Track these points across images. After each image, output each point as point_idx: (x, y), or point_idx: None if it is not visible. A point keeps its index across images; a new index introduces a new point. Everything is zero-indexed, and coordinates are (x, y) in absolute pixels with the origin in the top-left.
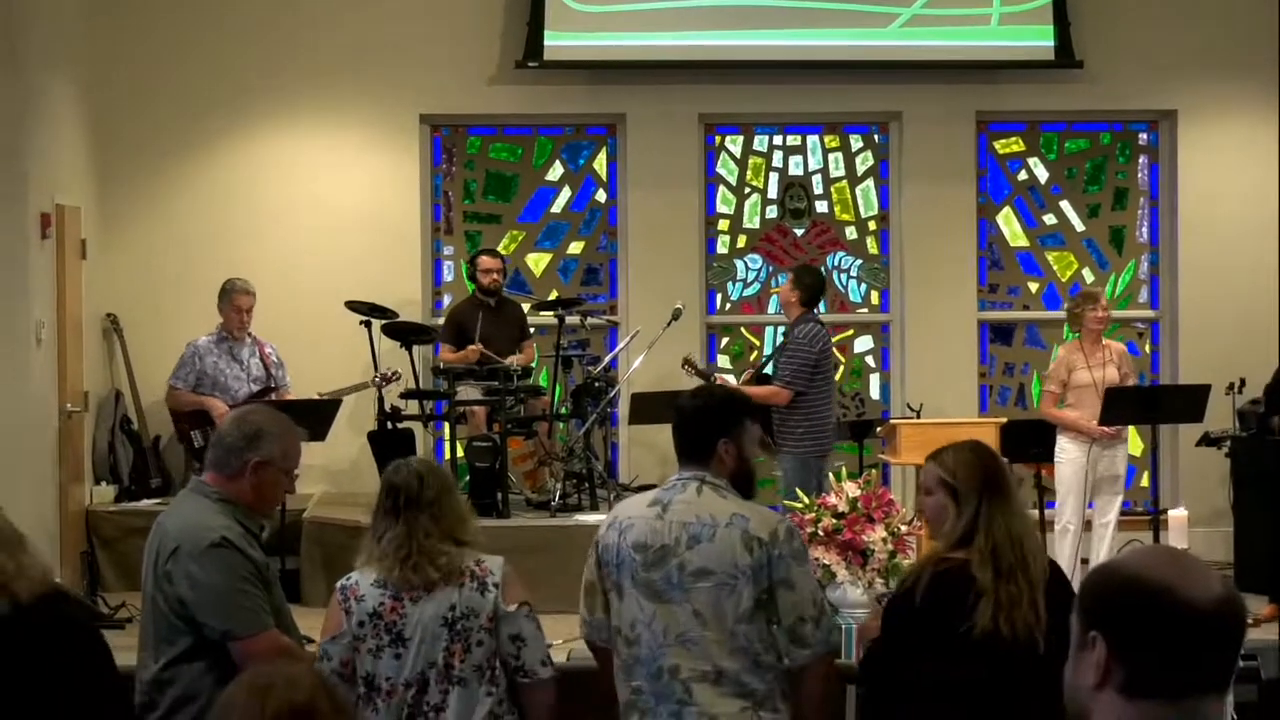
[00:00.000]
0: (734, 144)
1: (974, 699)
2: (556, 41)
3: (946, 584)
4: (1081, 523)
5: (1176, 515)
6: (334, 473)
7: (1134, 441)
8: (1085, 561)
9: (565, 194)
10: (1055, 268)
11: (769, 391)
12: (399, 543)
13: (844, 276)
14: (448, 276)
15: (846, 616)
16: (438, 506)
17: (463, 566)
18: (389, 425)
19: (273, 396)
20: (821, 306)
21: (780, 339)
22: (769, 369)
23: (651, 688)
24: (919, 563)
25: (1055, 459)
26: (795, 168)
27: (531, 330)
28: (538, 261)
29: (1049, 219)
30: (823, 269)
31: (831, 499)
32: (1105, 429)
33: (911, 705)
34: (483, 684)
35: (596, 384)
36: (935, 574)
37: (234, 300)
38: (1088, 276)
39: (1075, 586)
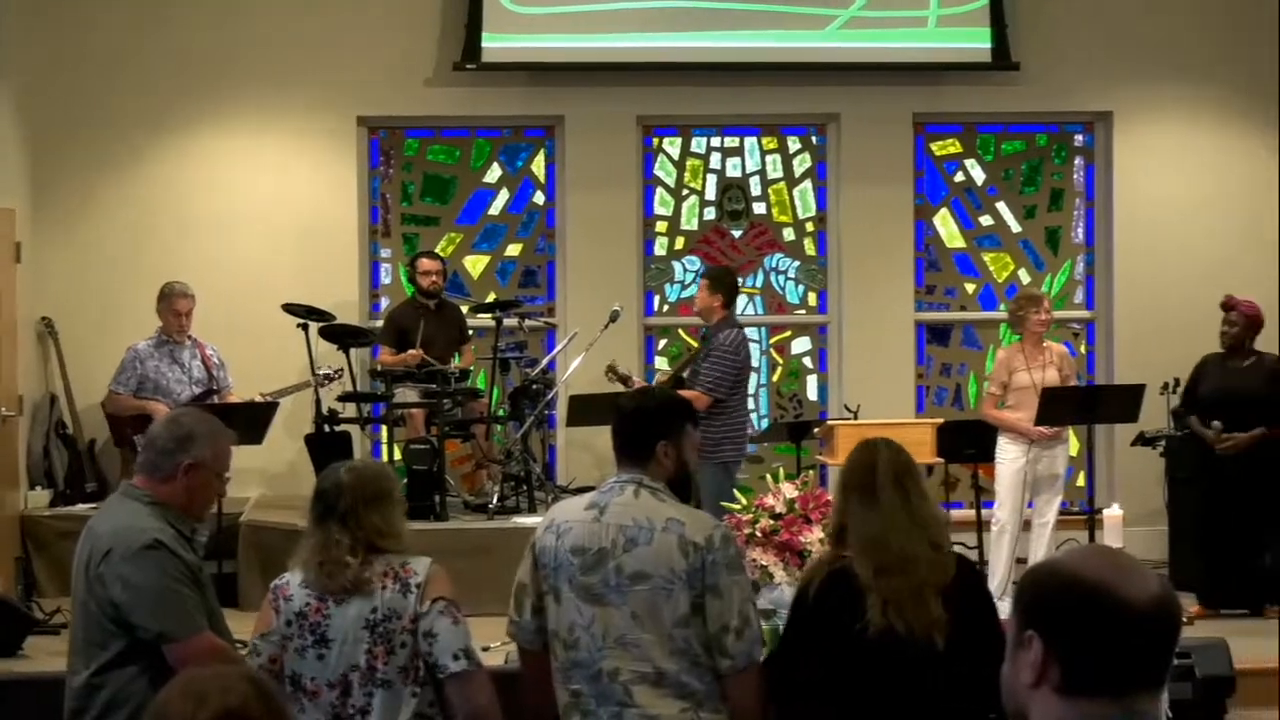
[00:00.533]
0: (672, 146)
1: (872, 698)
2: (494, 44)
3: (837, 582)
4: (1019, 523)
5: (1112, 515)
6: (271, 476)
7: (1070, 441)
8: (1023, 561)
9: (503, 196)
10: (992, 269)
11: (691, 396)
12: (314, 549)
13: (781, 278)
14: (385, 279)
15: (785, 618)
16: (352, 518)
17: (383, 570)
18: (326, 428)
19: (215, 399)
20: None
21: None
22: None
23: (592, 690)
24: (816, 561)
25: (995, 459)
26: (733, 169)
27: (470, 333)
28: (475, 263)
29: (985, 220)
30: (761, 269)
31: (769, 500)
32: (1044, 430)
33: (811, 705)
34: (408, 685)
35: (534, 386)
36: (830, 572)
37: (173, 304)
38: (1024, 277)
39: (1011, 587)
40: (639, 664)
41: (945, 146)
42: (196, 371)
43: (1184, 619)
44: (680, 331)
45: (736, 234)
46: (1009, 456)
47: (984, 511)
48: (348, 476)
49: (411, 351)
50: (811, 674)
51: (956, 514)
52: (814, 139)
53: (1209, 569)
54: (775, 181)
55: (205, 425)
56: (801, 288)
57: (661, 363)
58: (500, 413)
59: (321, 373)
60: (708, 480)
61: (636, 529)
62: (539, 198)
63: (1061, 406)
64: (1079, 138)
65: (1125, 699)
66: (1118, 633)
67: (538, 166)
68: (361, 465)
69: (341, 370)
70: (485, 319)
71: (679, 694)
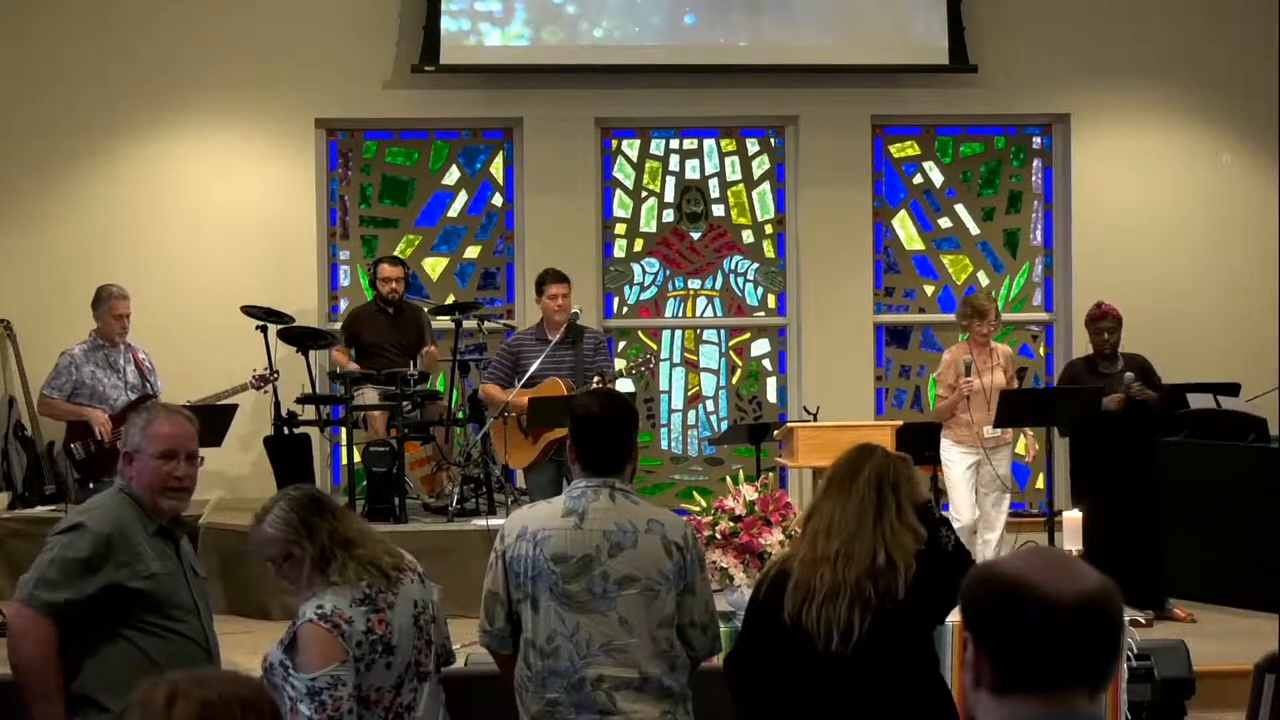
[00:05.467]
0: (630, 148)
1: (791, 694)
2: (453, 45)
3: (782, 576)
4: (974, 521)
5: (1071, 516)
6: (230, 479)
7: (1027, 443)
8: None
9: (462, 198)
10: (950, 271)
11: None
12: (364, 555)
13: (740, 280)
14: (344, 281)
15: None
16: (355, 517)
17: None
18: (285, 430)
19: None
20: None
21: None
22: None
23: (571, 699)
24: (773, 558)
25: (943, 460)
26: (692, 171)
27: (429, 336)
28: (434, 266)
29: (944, 222)
30: (720, 271)
31: (729, 502)
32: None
33: (763, 699)
34: (436, 674)
35: None
36: (780, 569)
37: (113, 308)
38: (983, 279)
39: None
40: (624, 670)
41: (904, 149)
42: (131, 376)
43: (1144, 621)
44: (639, 333)
45: (695, 236)
46: (955, 457)
47: (941, 513)
48: (311, 486)
49: (355, 367)
50: (762, 668)
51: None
52: (773, 141)
53: (1112, 568)
54: (734, 183)
55: (139, 414)
56: (760, 290)
57: (619, 364)
58: (460, 415)
59: (256, 375)
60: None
61: (621, 533)
62: (498, 200)
63: (1019, 408)
64: (1037, 140)
65: (1057, 697)
66: (1040, 631)
67: (496, 169)
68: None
69: (277, 372)
70: (445, 321)
71: (660, 697)
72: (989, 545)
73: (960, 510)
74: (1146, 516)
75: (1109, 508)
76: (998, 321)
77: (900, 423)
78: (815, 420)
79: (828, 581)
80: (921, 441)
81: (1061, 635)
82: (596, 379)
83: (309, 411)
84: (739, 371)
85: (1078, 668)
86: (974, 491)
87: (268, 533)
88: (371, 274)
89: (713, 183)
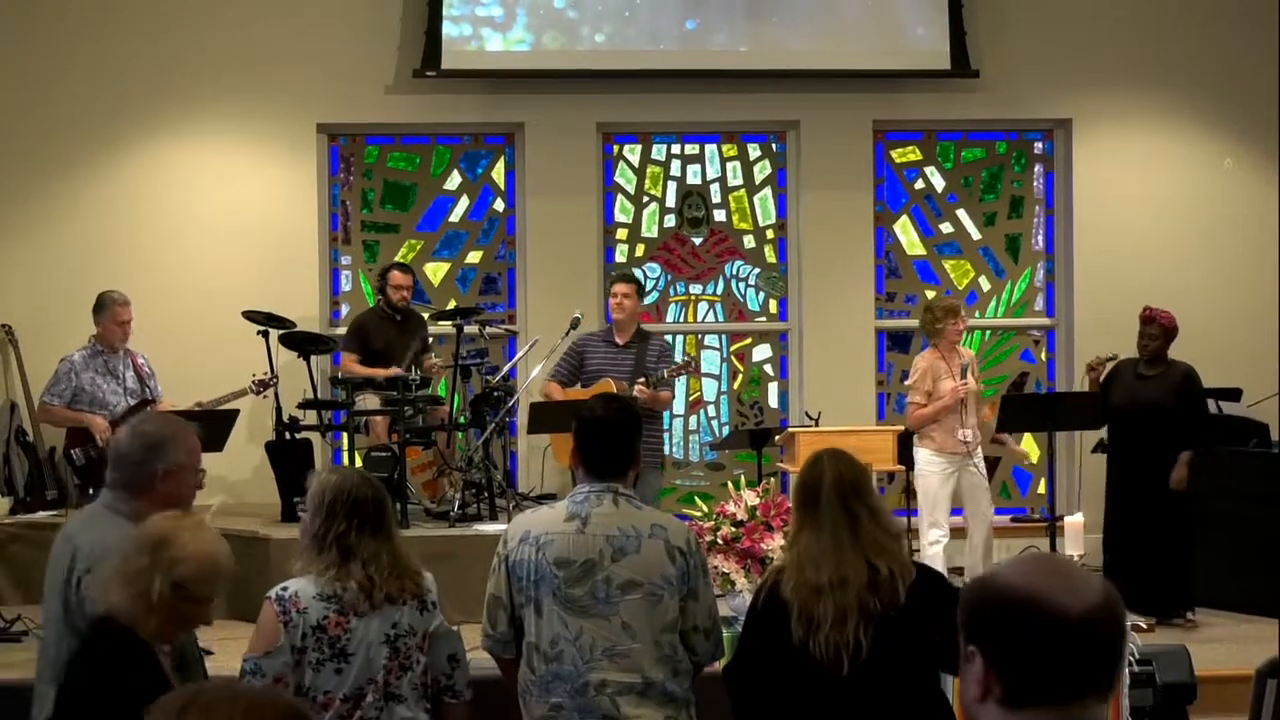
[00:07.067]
0: (632, 153)
1: (791, 701)
2: (454, 50)
3: (777, 591)
4: (948, 532)
5: (1073, 521)
6: (232, 483)
7: (1030, 447)
8: (956, 570)
9: (463, 203)
10: (952, 276)
11: (666, 398)
12: (357, 564)
13: (742, 285)
14: (346, 286)
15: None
16: (392, 530)
17: (403, 585)
18: (287, 435)
19: (149, 409)
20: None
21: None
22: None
23: (575, 703)
24: (770, 568)
25: (919, 472)
26: (693, 176)
27: (432, 341)
28: (436, 271)
29: (946, 227)
30: (722, 277)
31: (730, 507)
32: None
33: (753, 708)
34: (418, 702)
35: (495, 393)
36: (775, 581)
37: (116, 314)
38: (984, 285)
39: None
40: (628, 675)
41: (905, 154)
42: (130, 382)
43: (1144, 626)
44: None
45: (697, 241)
46: (934, 469)
47: (913, 520)
48: (375, 490)
49: (394, 369)
50: (762, 675)
51: (916, 521)
52: (774, 146)
53: (1123, 576)
54: (735, 189)
55: (171, 428)
56: (762, 295)
57: None
58: (462, 420)
59: (256, 380)
60: (652, 483)
61: (624, 538)
62: (499, 205)
63: (1022, 413)
64: (1039, 145)
65: (1071, 707)
66: (1055, 643)
67: (498, 174)
68: (366, 473)
69: (276, 377)
70: (446, 326)
71: (663, 701)
72: (984, 550)
73: (941, 524)
74: (1166, 525)
75: (1130, 516)
76: (966, 321)
77: (901, 428)
78: (817, 425)
79: (831, 612)
80: None
81: (1075, 647)
82: (640, 381)
83: (310, 416)
84: (740, 376)
85: (1090, 678)
86: (951, 502)
87: (314, 480)
88: (380, 281)
89: (714, 188)
